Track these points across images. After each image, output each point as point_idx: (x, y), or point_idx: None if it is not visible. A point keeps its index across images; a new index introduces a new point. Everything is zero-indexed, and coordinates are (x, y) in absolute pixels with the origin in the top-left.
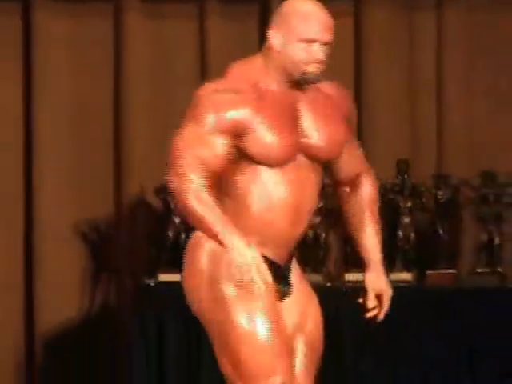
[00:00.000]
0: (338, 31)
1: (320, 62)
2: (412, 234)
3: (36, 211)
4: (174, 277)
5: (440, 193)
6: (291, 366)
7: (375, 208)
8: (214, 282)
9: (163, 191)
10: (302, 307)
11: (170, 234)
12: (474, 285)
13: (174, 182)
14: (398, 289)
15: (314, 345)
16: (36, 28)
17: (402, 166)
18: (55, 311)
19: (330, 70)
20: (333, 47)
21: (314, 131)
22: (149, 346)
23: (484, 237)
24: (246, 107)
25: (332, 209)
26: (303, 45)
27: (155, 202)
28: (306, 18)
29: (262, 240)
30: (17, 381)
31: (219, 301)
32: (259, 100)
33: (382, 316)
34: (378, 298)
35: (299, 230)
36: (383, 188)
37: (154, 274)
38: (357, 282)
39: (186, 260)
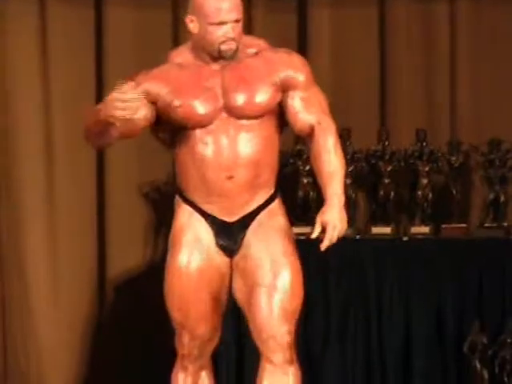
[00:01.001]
0: (365, 20)
1: (232, 39)
2: (429, 194)
3: (107, 175)
4: None
5: (453, 158)
6: (207, 315)
7: (330, 152)
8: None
9: None
10: (258, 264)
11: None
12: (483, 237)
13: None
14: (418, 240)
15: (283, 291)
16: (106, 18)
17: (421, 135)
18: (123, 259)
19: (360, 52)
20: (244, 21)
21: (233, 94)
22: None
23: (491, 195)
24: (162, 81)
25: (361, 173)
26: (214, 27)
27: None
28: (212, 1)
29: (206, 198)
30: (89, 320)
31: (169, 253)
32: (178, 75)
33: (323, 245)
34: (324, 228)
35: (236, 186)
36: (405, 154)
37: None
38: (381, 234)
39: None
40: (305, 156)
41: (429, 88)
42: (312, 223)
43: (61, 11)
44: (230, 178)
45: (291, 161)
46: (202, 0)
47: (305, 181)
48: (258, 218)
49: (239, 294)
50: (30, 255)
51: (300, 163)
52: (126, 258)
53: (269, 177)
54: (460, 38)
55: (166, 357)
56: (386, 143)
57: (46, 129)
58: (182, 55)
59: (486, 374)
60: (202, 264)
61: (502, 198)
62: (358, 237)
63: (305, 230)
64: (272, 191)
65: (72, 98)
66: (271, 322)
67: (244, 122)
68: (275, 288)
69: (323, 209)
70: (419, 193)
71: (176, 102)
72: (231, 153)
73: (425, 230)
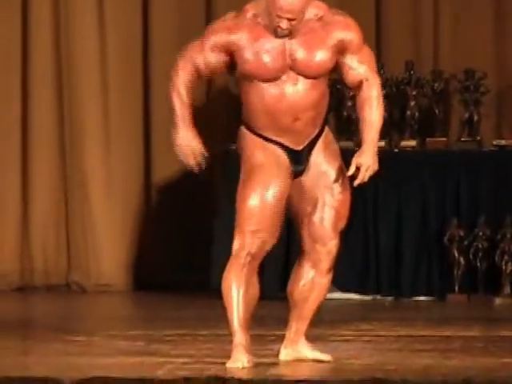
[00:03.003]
0: None
1: (284, 29)
2: (416, 113)
3: (152, 89)
4: None
5: (436, 84)
6: (274, 227)
7: (373, 105)
8: (245, 155)
9: None
10: (319, 181)
11: None
12: (460, 149)
13: (171, 75)
14: (407, 152)
15: (334, 205)
16: None
17: (409, 65)
18: (165, 166)
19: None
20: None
21: (299, 54)
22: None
23: (466, 115)
24: (241, 33)
25: None
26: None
27: None
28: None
29: (274, 133)
30: (138, 213)
31: (246, 165)
32: (255, 29)
33: (355, 183)
34: (359, 169)
35: (302, 125)
36: (396, 80)
37: (234, 141)
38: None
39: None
40: None
41: (416, 28)
42: (352, 138)
43: None
44: (296, 120)
45: (338, 87)
46: None
47: (349, 103)
48: (318, 143)
49: (296, 209)
50: (89, 159)
51: (345, 89)
52: (168, 163)
53: (324, 114)
54: None
55: (203, 249)
56: (382, 72)
57: (101, 59)
58: (259, 6)
59: (462, 261)
60: (280, 176)
61: (476, 117)
62: (356, 149)
63: (347, 144)
64: (323, 121)
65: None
66: (325, 234)
67: (309, 79)
68: (332, 206)
69: (360, 151)
70: (408, 113)
71: (247, 56)
72: (296, 103)
73: (412, 143)
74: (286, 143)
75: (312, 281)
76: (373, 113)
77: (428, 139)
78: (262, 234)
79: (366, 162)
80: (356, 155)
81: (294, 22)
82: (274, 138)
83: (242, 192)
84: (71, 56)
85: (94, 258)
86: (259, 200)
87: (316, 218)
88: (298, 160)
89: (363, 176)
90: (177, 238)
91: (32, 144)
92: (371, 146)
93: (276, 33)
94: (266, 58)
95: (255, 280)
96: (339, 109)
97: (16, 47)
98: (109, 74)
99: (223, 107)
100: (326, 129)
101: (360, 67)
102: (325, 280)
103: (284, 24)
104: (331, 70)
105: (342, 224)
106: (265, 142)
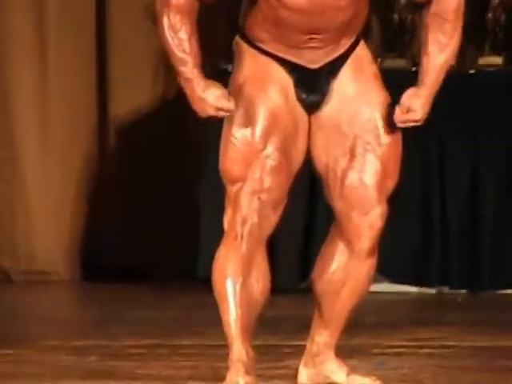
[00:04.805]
0: None
1: None
2: (502, 16)
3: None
4: None
5: None
6: (278, 177)
7: (444, 28)
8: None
9: None
10: (353, 119)
11: None
12: None
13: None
14: (487, 73)
15: (379, 154)
16: None
17: None
18: (128, 98)
19: None
20: None
21: None
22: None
23: None
24: None
25: None
26: None
27: None
28: None
29: (284, 49)
30: (82, 177)
31: (234, 95)
32: None
33: (397, 123)
34: (407, 113)
35: (323, 42)
36: None
37: (230, 60)
38: None
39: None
40: None
41: None
42: (405, 54)
43: None
44: (312, 39)
45: None
46: None
47: (402, 1)
48: (346, 64)
49: (323, 157)
50: (16, 95)
51: None
52: (131, 96)
53: (357, 28)
54: None
55: (186, 220)
56: None
57: None
58: None
59: None
60: (276, 106)
61: None
62: (414, 69)
63: (398, 63)
64: (357, 34)
65: None
66: (367, 197)
67: None
68: (376, 155)
69: (414, 92)
70: (489, 15)
71: None
72: (317, 21)
73: (496, 60)
74: (295, 59)
75: (346, 266)
76: (443, 40)
77: None
78: (262, 193)
79: (417, 109)
80: (406, 94)
81: None
82: (279, 54)
83: (224, 132)
84: None
85: (25, 234)
86: (242, 138)
87: (353, 173)
88: (311, 85)
89: (407, 122)
90: (145, 204)
91: None
92: (428, 88)
93: None
94: None
95: (262, 264)
96: (386, 10)
97: None
98: None
99: (216, 13)
100: (361, 44)
101: None
102: (365, 266)
103: None
104: None
105: (391, 183)
106: (261, 55)
